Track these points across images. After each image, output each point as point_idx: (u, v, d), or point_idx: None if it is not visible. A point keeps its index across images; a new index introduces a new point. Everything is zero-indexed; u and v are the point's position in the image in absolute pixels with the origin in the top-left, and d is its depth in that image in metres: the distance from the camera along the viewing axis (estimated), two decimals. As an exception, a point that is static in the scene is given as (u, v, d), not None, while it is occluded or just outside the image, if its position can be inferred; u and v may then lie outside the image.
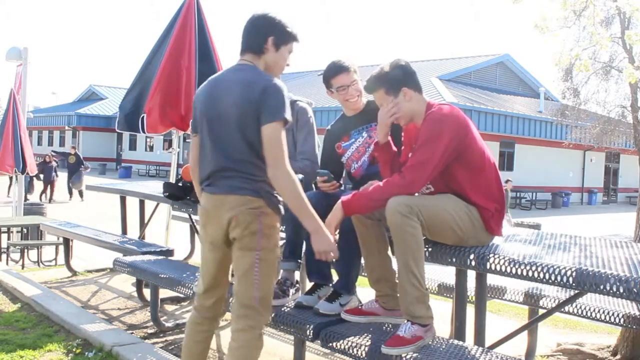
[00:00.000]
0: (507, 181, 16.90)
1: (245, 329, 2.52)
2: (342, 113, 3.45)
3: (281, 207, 2.57)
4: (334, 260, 2.55)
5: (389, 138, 2.84)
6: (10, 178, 18.75)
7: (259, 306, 2.53)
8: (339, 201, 2.66)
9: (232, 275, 2.92)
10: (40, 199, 17.54)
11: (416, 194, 2.65)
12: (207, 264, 2.68)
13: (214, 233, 2.58)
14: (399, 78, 2.70)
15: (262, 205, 2.49)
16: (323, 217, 3.04)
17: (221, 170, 2.53)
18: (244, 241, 2.49)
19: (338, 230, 2.77)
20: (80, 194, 19.45)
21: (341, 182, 3.28)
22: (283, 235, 3.40)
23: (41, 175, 18.07)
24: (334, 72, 3.24)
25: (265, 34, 2.58)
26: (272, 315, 3.00)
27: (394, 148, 2.89)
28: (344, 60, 3.28)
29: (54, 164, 19.08)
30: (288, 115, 2.46)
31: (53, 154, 20.37)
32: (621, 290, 2.16)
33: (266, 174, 2.48)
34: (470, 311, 2.83)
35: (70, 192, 19.56)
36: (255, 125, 2.46)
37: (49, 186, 18.49)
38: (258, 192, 2.49)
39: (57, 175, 19.21)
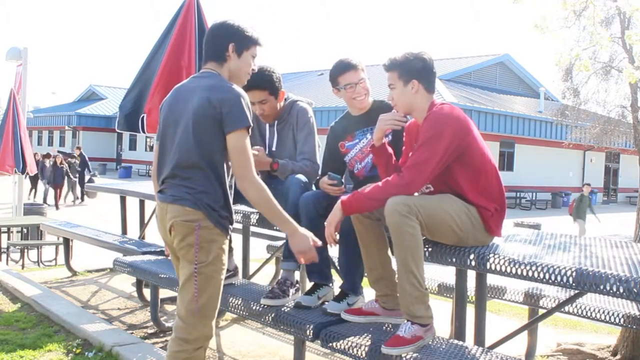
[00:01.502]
0: (585, 185, 15.95)
1: (175, 340, 2.51)
2: (346, 111, 3.42)
3: (226, 223, 2.52)
4: (314, 261, 2.54)
5: (384, 141, 2.85)
6: (31, 181, 18.17)
7: (194, 319, 2.50)
8: (339, 201, 2.66)
9: None
10: (56, 206, 16.94)
11: (415, 194, 2.65)
12: (173, 260, 2.69)
13: (165, 237, 2.61)
14: (416, 69, 2.69)
15: (201, 218, 2.44)
16: (323, 217, 3.05)
17: (171, 177, 2.51)
18: (182, 252, 2.50)
19: (338, 231, 2.76)
20: (83, 197, 19.25)
21: (342, 180, 3.26)
22: (283, 235, 3.40)
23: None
24: (341, 69, 3.22)
25: (225, 41, 2.58)
26: (272, 315, 3.00)
27: (390, 150, 2.89)
28: (351, 58, 3.25)
29: (65, 166, 18.13)
30: (250, 121, 2.47)
31: (59, 154, 19.37)
32: (621, 290, 2.16)
33: (212, 183, 2.47)
34: (470, 311, 2.83)
35: (78, 196, 19.12)
36: (212, 131, 2.46)
37: (57, 190, 17.59)
38: (197, 205, 2.44)
39: (70, 178, 18.43)
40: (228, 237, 2.56)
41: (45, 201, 17.68)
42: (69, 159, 19.09)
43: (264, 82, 3.34)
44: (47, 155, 18.61)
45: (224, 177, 2.52)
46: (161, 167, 2.61)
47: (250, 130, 2.49)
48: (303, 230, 2.53)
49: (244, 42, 2.60)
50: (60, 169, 17.73)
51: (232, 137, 2.44)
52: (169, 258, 2.87)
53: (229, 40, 2.58)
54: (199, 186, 2.46)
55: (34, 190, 19.14)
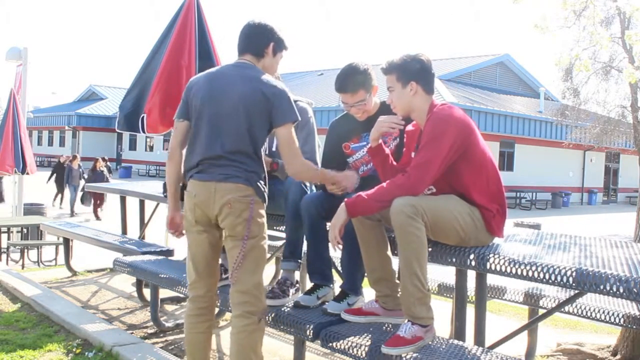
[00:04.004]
0: None
1: (244, 315, 2.70)
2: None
3: (266, 195, 2.76)
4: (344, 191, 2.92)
5: (380, 141, 2.85)
6: (58, 188, 16.40)
7: (258, 291, 2.72)
8: (343, 203, 2.63)
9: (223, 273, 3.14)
10: (96, 216, 14.66)
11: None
12: (199, 246, 2.81)
13: (202, 217, 2.73)
14: (413, 70, 2.68)
15: (253, 194, 2.68)
16: (325, 218, 3.04)
17: (214, 159, 2.69)
18: (237, 229, 2.66)
19: (342, 234, 2.73)
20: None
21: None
22: (283, 235, 3.40)
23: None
24: (337, 87, 3.12)
25: (267, 40, 2.82)
26: (272, 315, 3.01)
27: (387, 151, 2.89)
28: (355, 73, 3.07)
29: (105, 171, 15.95)
30: (298, 116, 2.75)
31: (100, 158, 16.55)
32: (621, 290, 2.16)
33: (257, 166, 2.70)
34: (470, 311, 2.83)
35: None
36: (262, 121, 2.68)
37: (97, 198, 14.91)
38: (249, 181, 2.66)
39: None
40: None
41: (72, 210, 15.54)
42: (98, 165, 16.55)
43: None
44: (74, 158, 16.57)
45: (263, 161, 2.79)
46: (196, 148, 2.75)
47: (295, 124, 2.76)
48: (342, 174, 2.96)
49: (281, 44, 2.88)
50: (100, 175, 15.31)
51: (283, 130, 2.70)
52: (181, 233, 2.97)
53: (271, 39, 2.83)
54: (248, 167, 2.67)
55: (60, 195, 16.84)
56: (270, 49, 2.82)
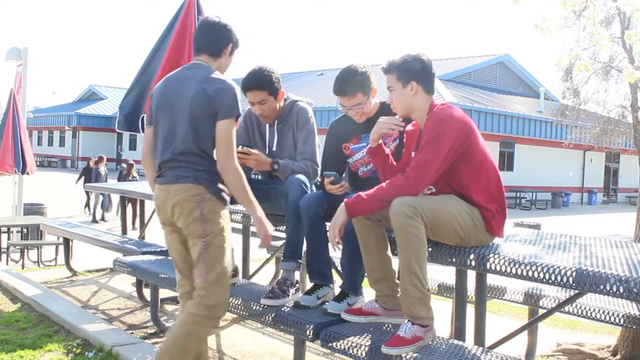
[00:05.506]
0: None
1: (197, 305, 2.70)
2: None
3: (225, 195, 2.74)
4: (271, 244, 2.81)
5: (380, 142, 2.85)
6: (87, 193, 15.16)
7: (214, 287, 2.70)
8: (343, 203, 2.63)
9: None
10: (133, 226, 12.02)
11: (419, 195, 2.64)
12: (173, 245, 2.86)
13: (165, 219, 2.79)
14: (414, 70, 2.68)
15: (203, 192, 2.67)
16: (324, 218, 3.04)
17: (167, 162, 2.73)
18: (190, 228, 2.68)
19: (342, 234, 2.73)
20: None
21: (337, 175, 3.21)
22: (283, 235, 3.40)
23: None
24: (335, 90, 3.13)
25: (226, 41, 2.84)
26: (272, 315, 3.00)
27: (387, 151, 2.89)
28: (353, 76, 3.09)
29: (137, 177, 14.41)
30: (239, 111, 2.72)
31: (132, 161, 15.21)
32: (621, 290, 2.16)
33: (208, 164, 2.70)
34: (470, 311, 2.83)
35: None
36: (207, 120, 2.67)
37: (133, 205, 12.45)
38: (198, 180, 2.67)
39: None
40: (228, 209, 2.80)
41: (95, 217, 14.55)
42: (130, 170, 14.65)
43: (263, 82, 3.32)
44: (100, 159, 15.45)
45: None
46: (156, 152, 2.81)
47: (238, 119, 2.73)
48: (265, 218, 2.80)
49: (237, 44, 2.90)
50: (132, 181, 13.53)
51: (221, 124, 2.67)
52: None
53: (229, 41, 2.84)
54: (197, 166, 2.68)
55: (89, 204, 15.36)
56: (228, 49, 2.85)
